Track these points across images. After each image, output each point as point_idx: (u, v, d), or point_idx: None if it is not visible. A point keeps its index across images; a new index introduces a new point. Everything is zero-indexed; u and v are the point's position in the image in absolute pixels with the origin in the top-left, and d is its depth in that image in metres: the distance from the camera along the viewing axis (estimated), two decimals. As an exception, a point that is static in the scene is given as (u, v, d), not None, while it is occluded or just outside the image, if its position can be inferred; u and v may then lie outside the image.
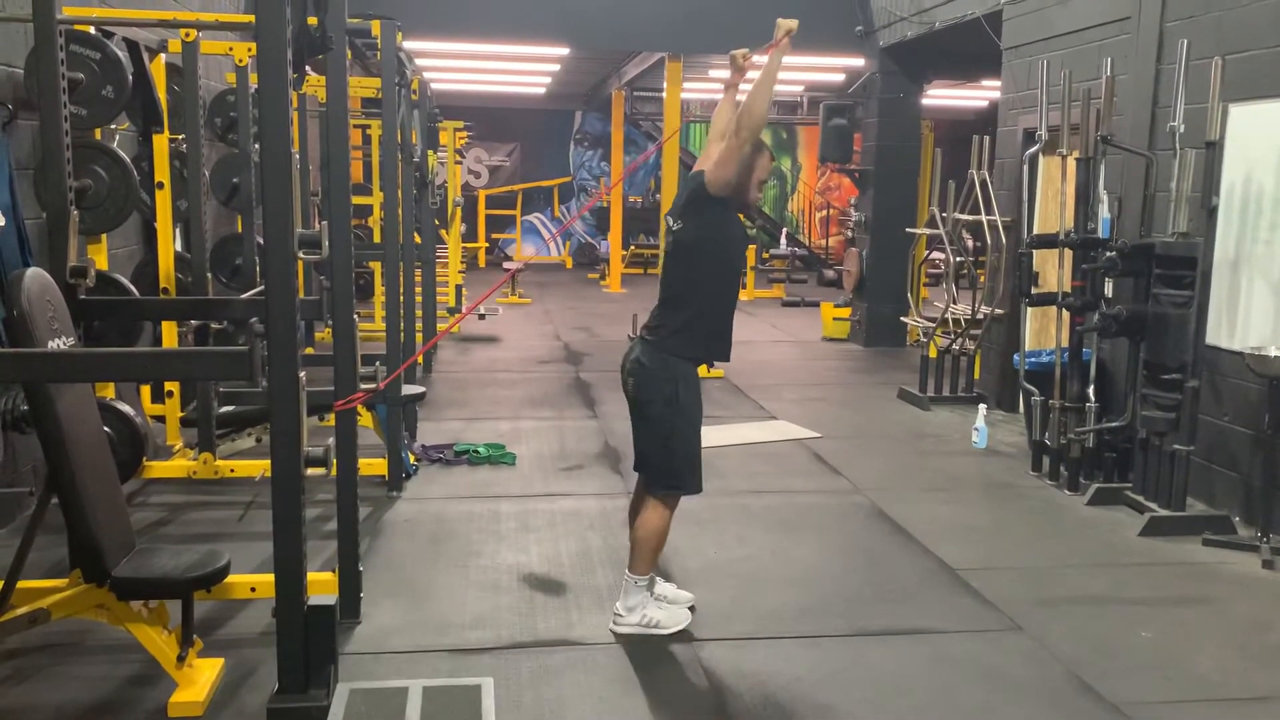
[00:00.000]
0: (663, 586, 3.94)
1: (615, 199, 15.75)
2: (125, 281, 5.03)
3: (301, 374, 2.76)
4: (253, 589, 3.53)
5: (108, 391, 4.90)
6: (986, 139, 7.49)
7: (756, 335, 11.09)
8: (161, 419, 5.50)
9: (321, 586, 3.49)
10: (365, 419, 5.47)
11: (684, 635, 3.71)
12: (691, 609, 3.86)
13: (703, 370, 4.19)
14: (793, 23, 3.56)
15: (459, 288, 11.64)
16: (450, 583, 4.17)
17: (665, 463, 3.68)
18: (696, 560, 4.46)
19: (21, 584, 3.18)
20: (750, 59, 3.80)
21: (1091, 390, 5.59)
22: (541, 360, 9.38)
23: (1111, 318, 5.25)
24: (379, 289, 9.83)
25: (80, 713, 3.11)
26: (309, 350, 8.14)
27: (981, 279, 7.83)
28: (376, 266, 9.59)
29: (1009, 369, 7.03)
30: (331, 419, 3.79)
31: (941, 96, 14.42)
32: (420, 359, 8.05)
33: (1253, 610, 4.07)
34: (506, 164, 19.31)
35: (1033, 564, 4.54)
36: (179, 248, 5.60)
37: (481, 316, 11.62)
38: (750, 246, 15.51)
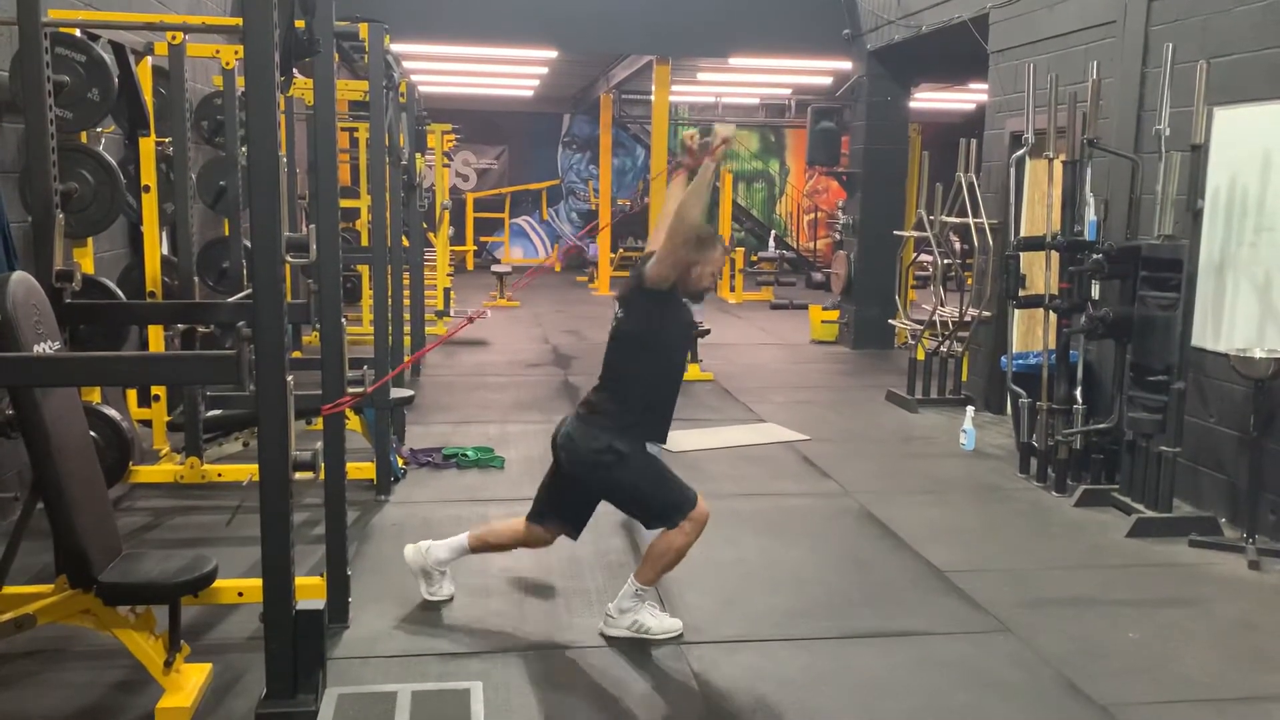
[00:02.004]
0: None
1: (604, 203, 15.75)
2: (111, 285, 5.01)
3: (289, 378, 2.75)
4: (240, 594, 3.51)
5: (94, 396, 4.87)
6: (974, 142, 7.53)
7: (744, 338, 11.10)
8: (148, 423, 5.48)
9: (309, 591, 3.47)
10: (353, 423, 5.45)
11: (673, 639, 3.71)
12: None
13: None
14: (730, 128, 3.60)
15: (447, 291, 11.63)
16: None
17: (653, 508, 3.68)
18: (686, 563, 4.43)
19: (6, 589, 3.16)
20: (695, 142, 3.74)
21: (1078, 392, 5.61)
22: (530, 364, 9.37)
23: (1098, 320, 5.27)
24: (367, 292, 9.80)
25: (66, 719, 3.09)
26: (296, 354, 8.12)
27: (969, 281, 7.86)
28: (364, 270, 9.57)
29: (996, 371, 7.06)
30: (319, 423, 3.78)
31: (929, 100, 14.47)
32: (409, 364, 8.04)
33: (1239, 611, 4.10)
34: (495, 167, 19.29)
35: (1021, 566, 4.55)
36: (165, 251, 5.57)
37: (470, 320, 11.60)
38: (738, 250, 15.55)
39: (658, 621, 3.73)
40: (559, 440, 3.72)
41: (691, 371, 3.85)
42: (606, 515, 4.89)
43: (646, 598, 3.74)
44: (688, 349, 3.78)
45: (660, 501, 3.65)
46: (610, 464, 3.59)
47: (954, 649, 3.70)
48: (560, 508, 3.82)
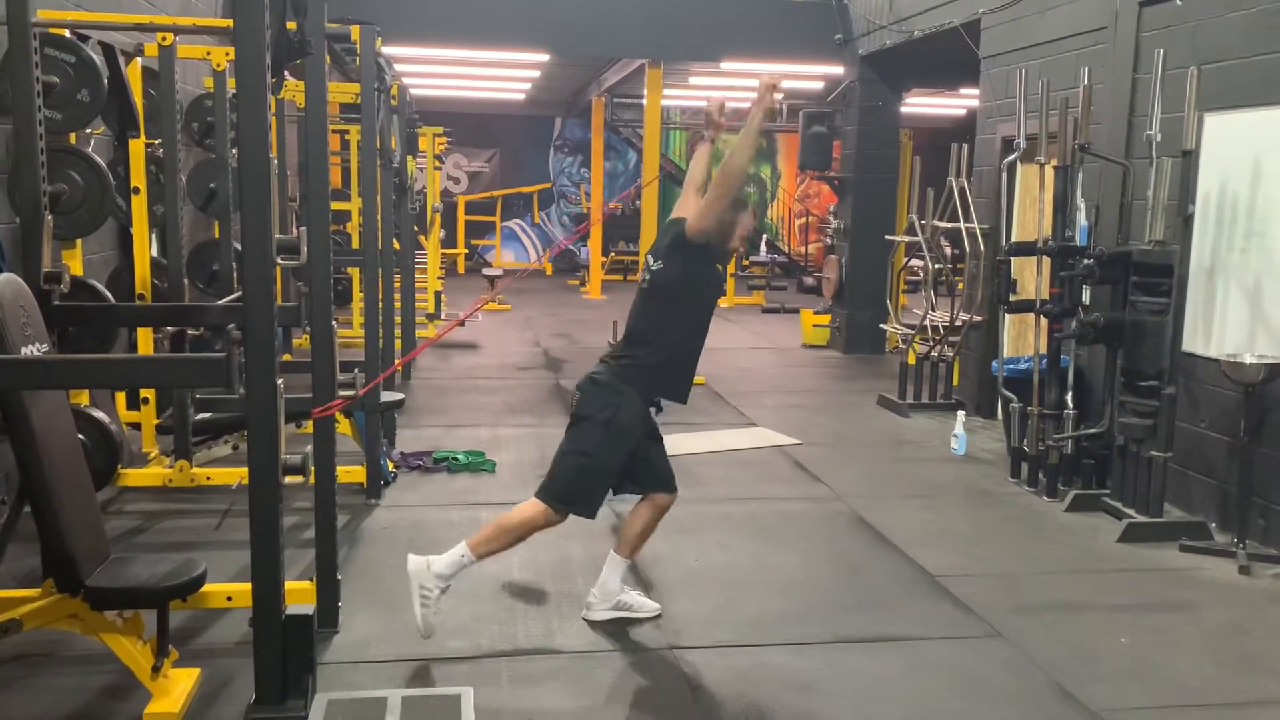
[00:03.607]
0: (629, 595, 3.96)
1: (595, 207, 15.76)
2: (100, 287, 4.98)
3: (279, 381, 2.73)
4: (229, 598, 3.48)
5: (82, 398, 4.84)
6: (965, 147, 7.54)
7: (736, 342, 11.10)
8: (137, 426, 5.45)
9: (299, 595, 3.45)
10: (343, 426, 5.43)
11: (665, 642, 3.71)
12: (658, 616, 3.91)
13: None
14: (777, 78, 3.59)
15: (438, 294, 11.60)
16: (429, 591, 4.13)
17: (568, 479, 3.70)
18: (678, 568, 4.45)
19: (-7, 594, 3.14)
20: (725, 111, 3.86)
21: (1069, 397, 5.62)
22: (521, 367, 9.36)
23: (1089, 325, 5.28)
24: (357, 295, 9.77)
25: (53, 725, 3.07)
26: (287, 357, 8.09)
27: (960, 286, 7.88)
28: (355, 272, 9.53)
29: (988, 376, 7.06)
30: (309, 426, 3.76)
31: (920, 104, 14.48)
32: (399, 366, 8.01)
33: (1229, 616, 4.10)
34: (486, 170, 19.28)
35: (1012, 570, 4.55)
36: (155, 253, 5.54)
37: (461, 323, 11.58)
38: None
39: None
40: (580, 383, 3.76)
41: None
42: (598, 519, 4.88)
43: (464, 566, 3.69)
44: (713, 310, 3.83)
45: (585, 474, 3.67)
46: (605, 418, 3.63)
47: (946, 654, 3.70)
48: None
